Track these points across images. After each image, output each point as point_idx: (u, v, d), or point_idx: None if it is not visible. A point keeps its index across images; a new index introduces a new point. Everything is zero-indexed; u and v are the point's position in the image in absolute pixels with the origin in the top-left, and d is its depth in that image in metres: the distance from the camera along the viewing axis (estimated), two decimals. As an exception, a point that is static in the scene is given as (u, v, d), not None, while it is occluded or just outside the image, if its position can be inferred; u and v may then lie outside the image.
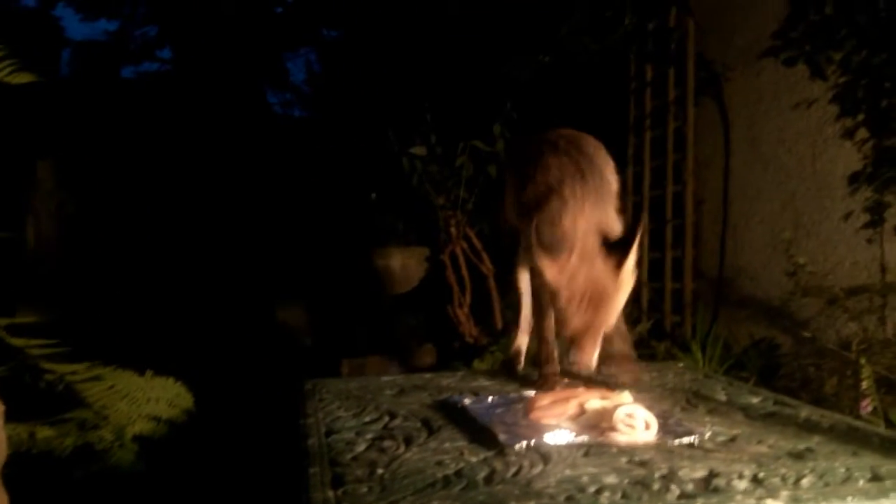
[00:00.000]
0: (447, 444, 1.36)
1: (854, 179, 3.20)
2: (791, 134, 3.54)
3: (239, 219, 6.97)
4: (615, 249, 1.46)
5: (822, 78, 3.31)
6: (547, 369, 1.85)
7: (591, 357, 1.48)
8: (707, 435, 1.37)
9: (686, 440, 1.34)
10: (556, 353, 1.86)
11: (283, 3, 9.22)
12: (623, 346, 1.68)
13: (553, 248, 1.46)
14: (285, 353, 4.71)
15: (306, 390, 1.84)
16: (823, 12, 3.26)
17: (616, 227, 1.58)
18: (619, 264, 1.44)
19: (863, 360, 2.43)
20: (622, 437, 1.35)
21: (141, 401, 2.25)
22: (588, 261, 1.45)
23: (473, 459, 1.27)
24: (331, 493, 1.13)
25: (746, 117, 3.81)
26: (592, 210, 1.54)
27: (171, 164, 7.28)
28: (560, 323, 1.50)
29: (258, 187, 7.26)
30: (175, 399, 2.30)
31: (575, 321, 1.46)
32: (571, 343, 1.50)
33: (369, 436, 1.43)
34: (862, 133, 3.15)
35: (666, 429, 1.39)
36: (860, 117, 3.16)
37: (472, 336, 4.60)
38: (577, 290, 1.44)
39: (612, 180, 1.68)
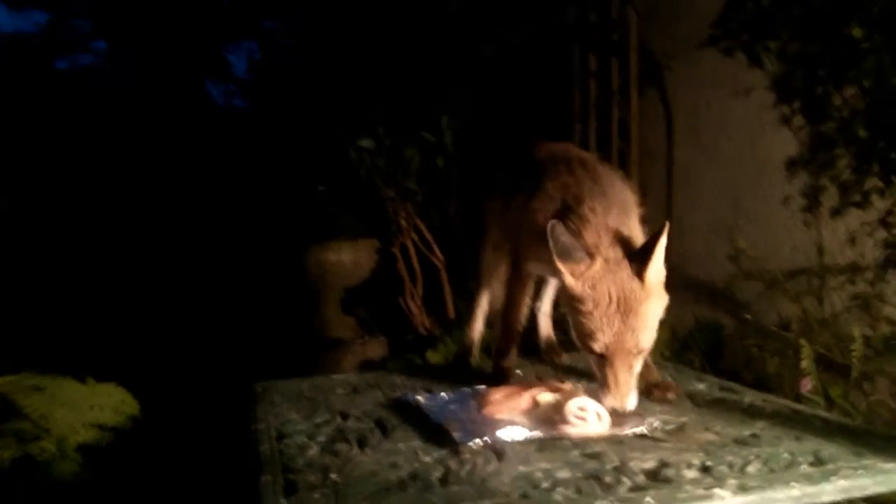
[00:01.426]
0: (401, 445, 1.36)
1: (791, 165, 3.29)
2: (731, 122, 3.62)
3: (180, 214, 6.81)
4: (637, 257, 1.41)
5: (759, 67, 3.39)
6: (503, 362, 1.86)
7: (624, 401, 1.38)
8: (656, 424, 1.40)
9: (636, 430, 1.37)
10: (514, 347, 1.88)
11: (223, -6, 9.00)
12: (655, 374, 1.67)
13: (573, 256, 1.41)
14: (233, 352, 4.62)
15: (257, 393, 1.81)
16: (760, 3, 3.33)
17: (640, 237, 1.55)
18: (642, 271, 1.38)
19: (802, 341, 2.51)
20: (574, 429, 1.37)
21: (83, 409, 2.18)
22: (612, 270, 1.40)
23: (428, 459, 1.27)
24: (283, 502, 1.12)
25: (688, 106, 3.88)
26: (615, 222, 1.50)
27: (108, 157, 7.05)
28: (587, 336, 1.39)
29: (200, 180, 7.10)
30: (120, 405, 2.23)
31: (605, 333, 1.37)
32: (602, 387, 1.41)
33: (322, 439, 1.41)
34: (798, 120, 3.24)
35: (616, 419, 1.41)
36: (796, 105, 3.25)
37: (425, 327, 4.60)
38: (602, 299, 1.38)
39: (630, 193, 1.67)
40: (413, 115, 4.50)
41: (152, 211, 6.83)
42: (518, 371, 1.88)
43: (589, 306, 1.38)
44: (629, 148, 4.18)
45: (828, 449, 1.25)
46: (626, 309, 1.37)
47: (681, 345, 3.63)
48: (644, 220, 1.65)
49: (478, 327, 2.23)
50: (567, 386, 1.52)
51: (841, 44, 2.94)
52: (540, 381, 1.62)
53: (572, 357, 2.09)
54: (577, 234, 1.47)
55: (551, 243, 1.42)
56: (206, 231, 6.63)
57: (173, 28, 8.09)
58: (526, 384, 1.57)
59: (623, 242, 1.46)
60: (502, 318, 1.90)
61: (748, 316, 3.41)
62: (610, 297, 1.37)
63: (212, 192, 7.06)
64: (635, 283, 1.38)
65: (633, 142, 4.18)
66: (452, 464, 1.24)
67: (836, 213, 3.09)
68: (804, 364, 2.43)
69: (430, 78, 4.86)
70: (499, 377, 1.81)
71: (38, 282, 5.62)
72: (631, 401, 1.39)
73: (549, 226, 1.43)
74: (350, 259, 4.78)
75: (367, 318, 5.08)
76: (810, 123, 3.19)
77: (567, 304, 1.45)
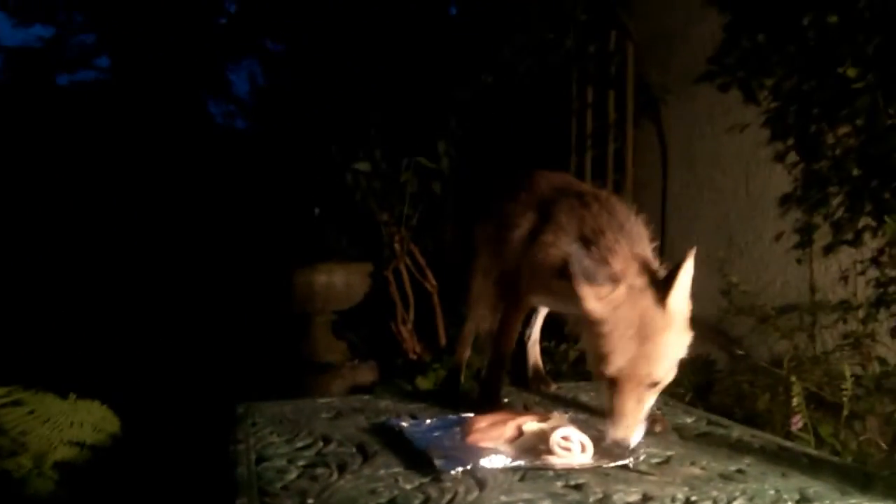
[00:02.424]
0: (382, 471, 1.33)
1: (785, 201, 3.31)
2: (725, 157, 3.64)
3: (173, 231, 6.79)
4: (661, 284, 1.38)
5: (754, 103, 3.42)
6: (490, 389, 1.84)
7: (627, 432, 1.33)
8: (641, 457, 1.38)
9: (621, 462, 1.35)
10: (503, 374, 1.86)
11: (227, 14, 9.09)
12: None
13: (596, 280, 1.38)
14: (220, 373, 4.58)
15: (238, 414, 1.78)
16: (756, 40, 3.37)
17: (655, 265, 1.52)
18: (664, 298, 1.34)
19: (793, 378, 2.49)
20: (559, 459, 1.34)
21: (63, 425, 2.14)
22: (635, 296, 1.36)
23: (408, 487, 1.25)
24: (258, 526, 1.09)
25: (683, 140, 3.91)
26: (638, 252, 1.48)
27: (107, 175, 7.05)
28: (601, 359, 1.35)
29: (195, 199, 7.09)
30: (100, 423, 2.20)
31: (619, 357, 1.32)
32: (609, 416, 1.36)
33: (301, 463, 1.39)
34: (792, 157, 3.26)
35: (601, 451, 1.39)
36: (790, 141, 3.27)
37: (416, 353, 4.57)
38: (621, 322, 1.34)
39: (643, 227, 1.61)
40: (410, 139, 4.51)
41: (144, 227, 6.82)
42: (505, 399, 1.86)
43: (607, 328, 1.34)
44: (624, 179, 4.20)
45: (814, 486, 1.23)
46: (643, 335, 1.32)
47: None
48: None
49: (466, 354, 2.21)
50: (553, 415, 1.50)
51: (835, 82, 2.97)
52: (526, 409, 1.60)
53: (559, 386, 2.08)
54: (604, 262, 1.43)
55: (575, 266, 1.38)
56: (198, 249, 6.61)
57: (176, 45, 8.16)
58: (512, 413, 1.56)
59: (649, 271, 1.43)
60: (493, 346, 1.88)
61: (740, 351, 3.39)
62: (629, 322, 1.33)
63: (207, 210, 7.06)
64: (657, 310, 1.34)
65: (628, 173, 4.20)
66: (433, 491, 1.22)
67: (829, 250, 3.10)
68: (795, 401, 2.40)
69: (428, 103, 4.90)
70: (486, 404, 1.79)
71: (25, 297, 5.58)
72: (635, 435, 1.34)
73: (571, 250, 1.41)
74: (342, 282, 4.75)
75: (358, 342, 5.05)
76: (804, 161, 3.21)
77: (585, 328, 1.41)
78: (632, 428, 1.34)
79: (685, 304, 1.37)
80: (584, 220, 1.57)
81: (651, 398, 1.37)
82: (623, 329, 1.33)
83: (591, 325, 1.38)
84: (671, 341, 1.34)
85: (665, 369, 1.34)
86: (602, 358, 1.34)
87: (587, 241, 1.50)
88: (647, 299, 1.35)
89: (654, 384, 1.35)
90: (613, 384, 1.35)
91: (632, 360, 1.32)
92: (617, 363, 1.32)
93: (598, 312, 1.36)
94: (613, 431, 1.33)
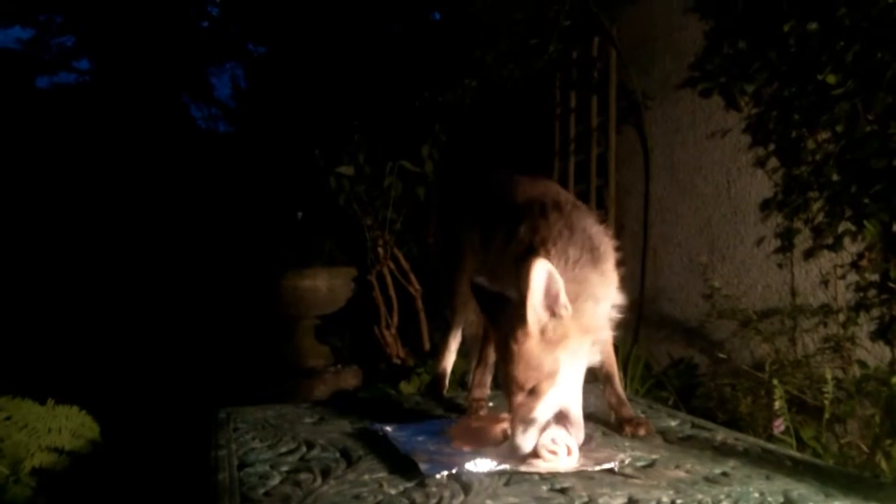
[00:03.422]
0: (366, 476, 1.32)
1: (766, 206, 3.34)
2: (707, 162, 3.67)
3: (155, 235, 6.73)
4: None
5: (736, 109, 3.45)
6: (475, 394, 1.84)
7: (514, 437, 1.34)
8: (626, 461, 1.38)
9: (606, 466, 1.34)
10: (487, 379, 1.86)
11: (209, 17, 9.04)
12: (628, 410, 1.66)
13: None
14: (201, 377, 4.53)
15: (220, 419, 1.76)
16: (737, 47, 3.41)
17: (613, 282, 1.57)
18: (522, 312, 1.33)
19: (775, 381, 2.51)
20: (544, 464, 1.34)
21: (41, 431, 2.10)
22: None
23: (393, 492, 1.24)
24: (240, 533, 1.08)
25: (665, 145, 3.94)
26: (574, 266, 1.47)
27: (86, 178, 6.97)
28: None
29: (178, 202, 7.04)
30: (79, 429, 2.16)
31: (499, 361, 1.40)
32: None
33: (285, 468, 1.37)
34: (773, 162, 3.30)
35: (586, 454, 1.38)
36: (771, 147, 3.31)
37: (400, 357, 4.55)
38: (497, 334, 1.44)
39: (604, 238, 1.59)
40: (394, 143, 4.51)
41: (126, 231, 6.75)
42: (490, 403, 1.85)
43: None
44: (607, 184, 4.22)
45: (798, 489, 1.24)
46: (506, 347, 1.36)
47: (654, 382, 3.62)
48: (619, 264, 1.62)
49: (450, 358, 2.20)
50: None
51: (815, 89, 3.01)
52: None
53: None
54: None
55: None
56: (180, 254, 6.55)
57: (157, 48, 8.09)
58: (497, 417, 1.55)
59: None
60: (479, 351, 1.88)
61: (722, 355, 3.41)
62: (501, 333, 1.40)
63: (189, 215, 7.00)
64: (516, 323, 1.34)
65: (611, 178, 4.22)
66: (418, 496, 1.21)
67: (809, 255, 3.13)
68: (776, 405, 2.42)
69: (412, 107, 4.89)
70: (471, 409, 1.78)
71: (3, 301, 5.50)
72: (519, 432, 1.33)
73: (473, 282, 1.49)
74: (326, 286, 4.73)
75: (341, 347, 5.03)
76: (784, 166, 3.25)
77: None
78: (517, 425, 1.33)
79: (543, 315, 1.34)
80: (537, 229, 1.56)
81: (541, 403, 1.34)
82: (499, 343, 1.41)
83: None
84: (533, 353, 1.33)
85: (533, 378, 1.33)
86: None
87: (531, 251, 1.49)
88: (513, 313, 1.36)
89: (531, 392, 1.33)
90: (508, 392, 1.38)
91: (503, 367, 1.38)
92: (500, 368, 1.41)
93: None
94: (511, 437, 1.36)
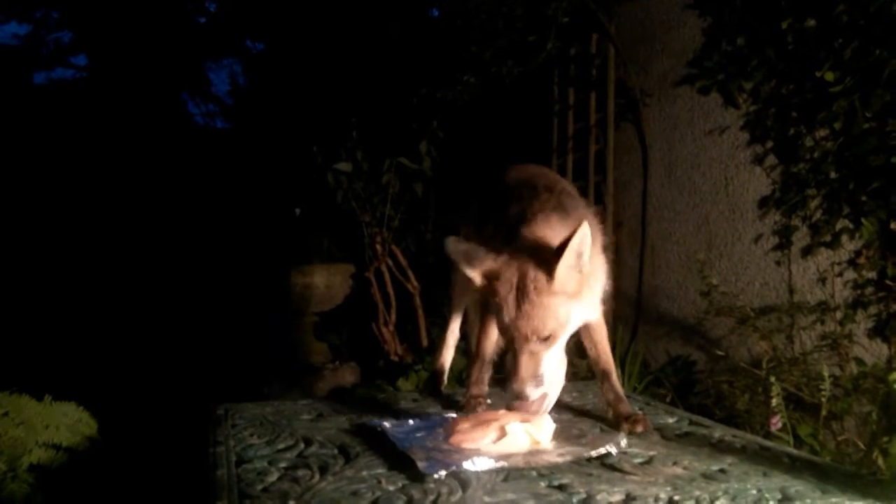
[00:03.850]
0: (364, 473, 1.32)
1: (763, 204, 3.34)
2: (705, 159, 3.67)
3: (152, 231, 6.72)
4: (551, 254, 1.42)
5: (734, 106, 3.45)
6: (473, 390, 1.84)
7: (523, 385, 1.40)
8: (623, 443, 1.43)
9: (603, 451, 1.39)
10: (485, 376, 1.85)
11: (207, 13, 9.01)
12: (626, 407, 1.68)
13: (477, 258, 1.46)
14: (200, 374, 4.53)
15: (217, 416, 1.76)
16: (736, 44, 3.41)
17: (601, 265, 1.59)
18: (551, 267, 1.39)
19: (772, 378, 2.51)
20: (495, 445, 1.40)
21: (38, 428, 2.10)
22: (514, 262, 1.43)
23: (391, 488, 1.24)
24: (238, 529, 1.07)
25: (663, 142, 3.94)
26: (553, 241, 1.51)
27: (84, 174, 6.95)
28: (497, 322, 1.46)
29: (175, 198, 7.03)
30: (77, 425, 2.16)
31: (503, 314, 1.41)
32: (508, 374, 1.44)
33: (282, 465, 1.37)
34: (771, 159, 3.30)
35: (582, 444, 1.42)
36: (769, 144, 3.31)
37: (398, 354, 4.55)
38: (502, 286, 1.42)
39: (592, 220, 1.61)
40: (392, 140, 4.50)
41: (122, 228, 6.73)
42: (488, 400, 1.85)
43: (492, 292, 1.44)
44: (605, 181, 4.22)
45: (795, 485, 1.24)
46: (524, 295, 1.40)
47: (652, 379, 3.63)
48: (606, 249, 1.65)
49: (449, 355, 2.20)
50: (535, 416, 1.50)
51: (813, 86, 3.01)
52: (509, 410, 1.59)
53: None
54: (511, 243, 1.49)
55: (452, 257, 1.47)
56: (177, 250, 6.54)
57: (155, 44, 8.07)
58: (495, 414, 1.55)
59: (541, 246, 1.47)
60: (475, 347, 1.88)
61: (720, 352, 3.42)
62: (509, 285, 1.41)
63: (185, 211, 6.98)
64: (539, 274, 1.40)
65: (609, 175, 4.22)
66: (416, 493, 1.21)
67: (807, 252, 3.14)
68: (774, 402, 2.42)
69: (410, 104, 4.89)
70: (469, 406, 1.78)
71: (2, 299, 5.49)
72: (530, 386, 1.40)
73: (445, 242, 1.48)
74: (323, 283, 4.73)
75: (340, 344, 5.03)
76: (782, 163, 3.25)
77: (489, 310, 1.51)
78: (527, 381, 1.40)
79: (573, 273, 1.42)
80: (525, 210, 1.59)
81: (547, 353, 1.42)
82: (504, 291, 1.42)
83: (486, 297, 1.48)
84: (554, 303, 1.41)
85: (550, 327, 1.41)
86: (496, 320, 1.45)
87: (520, 222, 1.54)
88: (530, 265, 1.41)
89: (545, 339, 1.41)
90: (511, 344, 1.43)
91: (514, 318, 1.40)
92: (503, 321, 1.42)
93: (479, 280, 1.45)
94: (511, 384, 1.41)
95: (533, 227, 1.52)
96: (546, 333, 1.41)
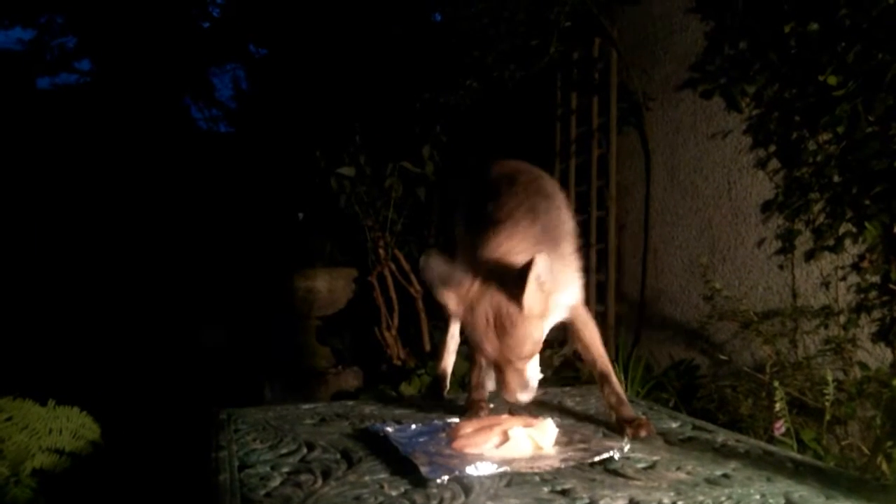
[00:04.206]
0: (367, 478, 1.32)
1: (766, 208, 3.34)
2: (708, 163, 3.67)
3: (156, 236, 6.73)
4: (515, 281, 1.43)
5: (737, 110, 3.45)
6: (474, 395, 1.83)
7: (514, 393, 1.47)
8: (626, 448, 1.43)
9: (606, 455, 1.38)
10: (486, 380, 1.85)
11: (210, 18, 9.04)
12: (628, 410, 1.69)
13: (452, 281, 1.48)
14: (203, 378, 4.53)
15: (220, 420, 1.76)
16: (738, 48, 3.41)
17: (571, 263, 1.63)
18: (519, 296, 1.41)
19: (776, 383, 2.50)
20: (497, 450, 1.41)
21: (42, 432, 2.10)
22: (487, 294, 1.45)
23: (394, 493, 1.23)
24: (241, 534, 1.07)
25: (666, 146, 3.94)
26: (526, 244, 1.52)
27: (88, 179, 6.97)
28: (476, 348, 1.50)
29: (179, 203, 7.04)
30: (80, 430, 2.16)
31: (486, 346, 1.46)
32: (499, 388, 1.51)
33: (285, 469, 1.37)
34: (774, 163, 3.30)
35: (584, 449, 1.42)
36: (772, 148, 3.30)
37: (400, 358, 4.55)
38: (479, 319, 1.45)
39: (566, 218, 1.68)
40: (395, 144, 4.51)
41: (125, 232, 6.75)
42: (490, 404, 1.85)
43: (470, 325, 1.48)
44: (608, 185, 4.22)
45: (799, 491, 1.24)
46: (502, 328, 1.43)
47: (655, 383, 3.62)
48: (573, 235, 1.67)
49: (450, 359, 2.19)
50: (538, 420, 1.50)
51: (816, 90, 3.01)
52: (512, 415, 1.59)
53: (545, 391, 2.07)
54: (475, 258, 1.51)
55: (428, 283, 1.48)
56: (180, 255, 6.55)
57: (158, 49, 8.09)
58: (498, 419, 1.55)
59: (507, 268, 1.48)
60: (477, 351, 1.87)
61: (723, 356, 3.42)
62: (487, 317, 1.44)
63: (188, 216, 7.00)
64: (512, 306, 1.43)
65: (612, 179, 4.22)
66: (419, 498, 1.21)
67: (810, 256, 3.13)
68: (777, 406, 2.41)
69: (413, 108, 4.89)
70: (471, 410, 1.78)
71: (4, 302, 5.50)
72: (522, 395, 1.47)
73: (421, 262, 1.49)
74: (326, 287, 4.74)
75: (342, 348, 5.03)
76: (785, 167, 3.25)
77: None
78: (516, 391, 1.47)
79: (539, 297, 1.44)
80: (501, 207, 1.60)
81: (530, 365, 1.48)
82: (483, 325, 1.45)
83: (464, 324, 1.52)
84: (529, 329, 1.45)
85: (528, 350, 1.46)
86: (476, 348, 1.50)
87: (488, 234, 1.55)
88: (502, 298, 1.44)
89: (524, 359, 1.47)
90: (496, 364, 1.48)
91: (496, 348, 1.44)
92: (488, 352, 1.47)
93: (459, 314, 1.49)
94: (506, 397, 1.48)
95: (501, 238, 1.53)
96: (526, 355, 1.47)
